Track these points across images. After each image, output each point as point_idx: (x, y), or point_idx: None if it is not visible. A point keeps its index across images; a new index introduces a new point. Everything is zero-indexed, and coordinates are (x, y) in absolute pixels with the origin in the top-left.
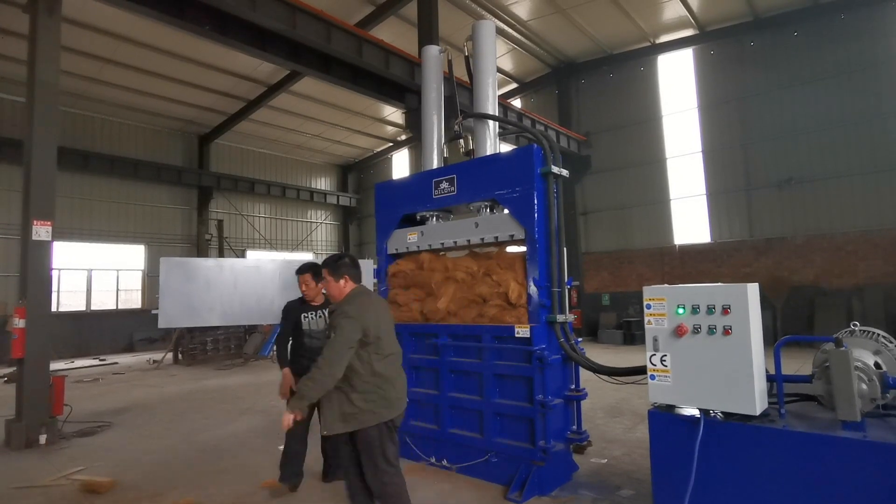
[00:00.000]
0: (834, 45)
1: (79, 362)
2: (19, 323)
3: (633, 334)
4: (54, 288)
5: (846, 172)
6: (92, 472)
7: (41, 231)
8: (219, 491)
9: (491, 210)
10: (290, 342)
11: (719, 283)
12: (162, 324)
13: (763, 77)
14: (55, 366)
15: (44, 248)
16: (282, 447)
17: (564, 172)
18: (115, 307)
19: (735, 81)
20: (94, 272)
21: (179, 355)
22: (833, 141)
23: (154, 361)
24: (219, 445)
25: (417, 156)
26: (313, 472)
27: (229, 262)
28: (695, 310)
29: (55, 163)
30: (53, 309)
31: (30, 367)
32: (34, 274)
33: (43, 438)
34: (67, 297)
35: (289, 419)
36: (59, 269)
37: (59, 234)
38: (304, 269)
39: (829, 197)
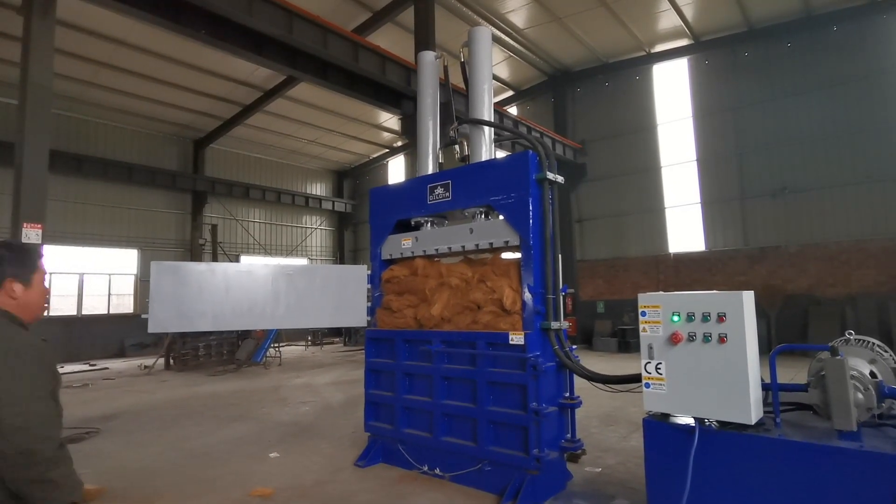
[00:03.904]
0: (827, 57)
1: (69, 367)
2: None
3: (627, 342)
4: None
5: (839, 182)
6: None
7: (31, 234)
8: (209, 499)
9: (486, 216)
10: None
11: (714, 291)
12: (152, 328)
13: (757, 87)
14: None
15: None
16: (273, 455)
17: (560, 179)
18: (106, 312)
19: (729, 91)
20: (86, 276)
21: (171, 361)
22: (826, 151)
23: (145, 367)
24: (210, 452)
25: (413, 162)
26: None
27: (221, 267)
28: (690, 317)
29: (46, 165)
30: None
31: None
32: None
33: None
34: (58, 301)
35: None
36: (51, 273)
37: (51, 238)
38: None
39: (822, 206)
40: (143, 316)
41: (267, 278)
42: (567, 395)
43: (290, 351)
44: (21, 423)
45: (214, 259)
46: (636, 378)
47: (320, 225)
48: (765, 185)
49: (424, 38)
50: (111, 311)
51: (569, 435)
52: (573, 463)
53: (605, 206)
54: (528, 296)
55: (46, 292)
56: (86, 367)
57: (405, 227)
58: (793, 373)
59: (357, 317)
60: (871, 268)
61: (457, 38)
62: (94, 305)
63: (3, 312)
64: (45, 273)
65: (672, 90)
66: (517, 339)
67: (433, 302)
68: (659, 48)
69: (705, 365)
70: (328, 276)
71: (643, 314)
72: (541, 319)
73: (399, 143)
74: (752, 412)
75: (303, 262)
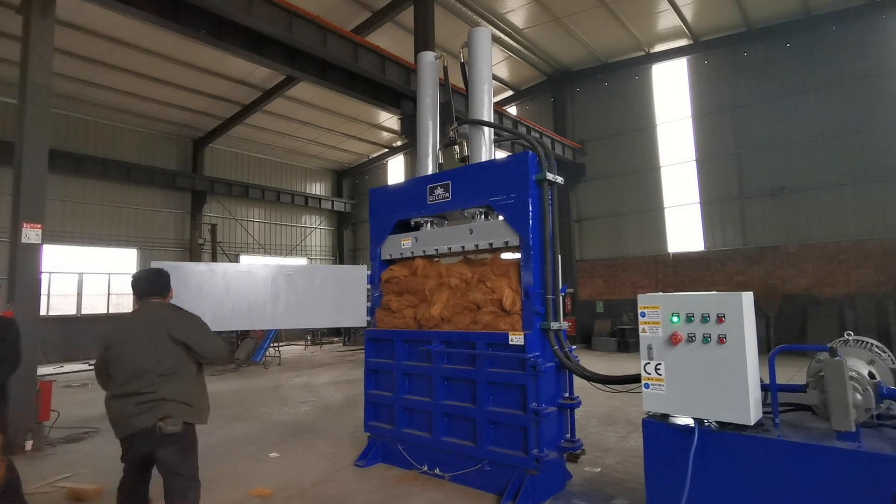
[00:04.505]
0: (826, 57)
1: (68, 367)
2: None
3: (627, 342)
4: (44, 291)
5: (838, 182)
6: (78, 479)
7: (31, 234)
8: (208, 499)
9: (486, 216)
10: None
11: (714, 292)
12: None
13: (756, 87)
14: (43, 371)
15: (33, 251)
16: (273, 454)
17: (559, 179)
18: (106, 311)
19: (728, 91)
20: (86, 276)
21: None
22: (825, 151)
23: None
24: (209, 453)
25: (413, 162)
26: None
27: (221, 267)
28: (689, 318)
29: (46, 165)
30: (43, 313)
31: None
32: (23, 277)
33: (29, 444)
34: (58, 300)
35: None
36: (50, 273)
37: (50, 237)
38: None
39: (821, 206)
40: None
41: (266, 278)
42: (566, 395)
43: (290, 350)
44: (212, 349)
45: (214, 259)
46: (635, 378)
47: (319, 224)
48: (764, 185)
49: (424, 38)
50: (111, 311)
51: (568, 435)
52: (572, 463)
53: (604, 206)
54: (527, 296)
55: None
56: (85, 366)
57: (405, 227)
58: (792, 373)
59: (357, 317)
60: (870, 268)
61: (457, 38)
62: (94, 305)
63: (172, 304)
64: None
65: (671, 90)
66: (517, 339)
67: (433, 302)
68: (658, 48)
69: (705, 366)
70: (328, 276)
71: (643, 315)
72: (540, 320)
73: (399, 143)
74: (752, 413)
75: (302, 261)
